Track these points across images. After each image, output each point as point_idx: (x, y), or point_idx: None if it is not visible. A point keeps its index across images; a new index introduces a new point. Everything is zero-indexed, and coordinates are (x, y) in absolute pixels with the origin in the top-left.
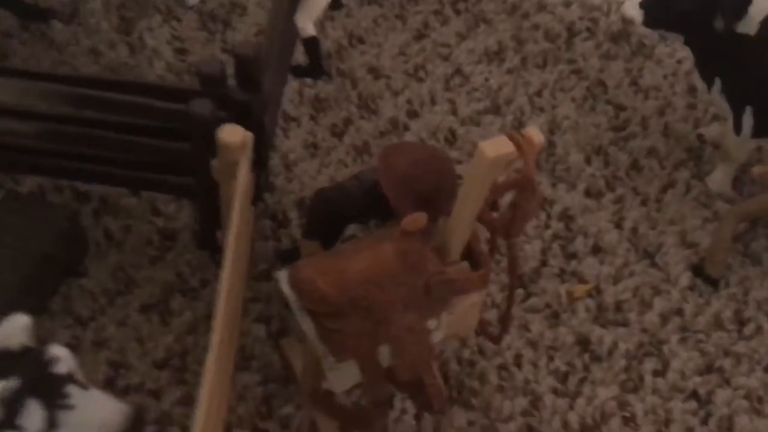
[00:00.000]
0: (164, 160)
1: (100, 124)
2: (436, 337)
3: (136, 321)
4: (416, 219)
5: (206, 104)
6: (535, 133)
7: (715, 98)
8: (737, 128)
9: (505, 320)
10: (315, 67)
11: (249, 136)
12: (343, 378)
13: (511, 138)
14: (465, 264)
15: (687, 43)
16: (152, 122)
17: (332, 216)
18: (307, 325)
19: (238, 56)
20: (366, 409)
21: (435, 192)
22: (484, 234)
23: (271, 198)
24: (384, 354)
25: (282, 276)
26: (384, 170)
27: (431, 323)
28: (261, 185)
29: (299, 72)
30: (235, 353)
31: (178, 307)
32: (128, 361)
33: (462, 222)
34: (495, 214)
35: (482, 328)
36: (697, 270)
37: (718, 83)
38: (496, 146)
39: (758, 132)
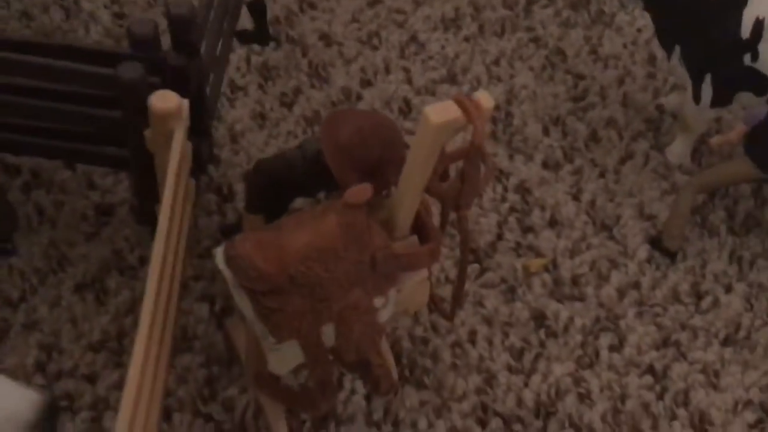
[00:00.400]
0: (96, 129)
1: (27, 91)
2: (384, 316)
3: (70, 301)
4: (360, 190)
5: (136, 68)
6: (484, 97)
7: (674, 67)
8: (696, 97)
9: (457, 296)
10: (261, 33)
11: (184, 102)
12: (284, 359)
13: (459, 102)
14: (414, 238)
15: (646, 8)
16: (81, 88)
17: (273, 187)
18: (244, 304)
19: (173, 16)
20: (312, 390)
21: (381, 162)
22: (438, 208)
23: (216, 171)
24: (328, 333)
25: (218, 253)
26: (326, 138)
27: (378, 301)
28: (204, 157)
29: (245, 37)
30: (174, 333)
31: (115, 286)
32: (61, 344)
33: (409, 193)
34: (444, 185)
35: (435, 305)
36: (655, 242)
37: (677, 50)
38: (442, 111)
39: (717, 101)
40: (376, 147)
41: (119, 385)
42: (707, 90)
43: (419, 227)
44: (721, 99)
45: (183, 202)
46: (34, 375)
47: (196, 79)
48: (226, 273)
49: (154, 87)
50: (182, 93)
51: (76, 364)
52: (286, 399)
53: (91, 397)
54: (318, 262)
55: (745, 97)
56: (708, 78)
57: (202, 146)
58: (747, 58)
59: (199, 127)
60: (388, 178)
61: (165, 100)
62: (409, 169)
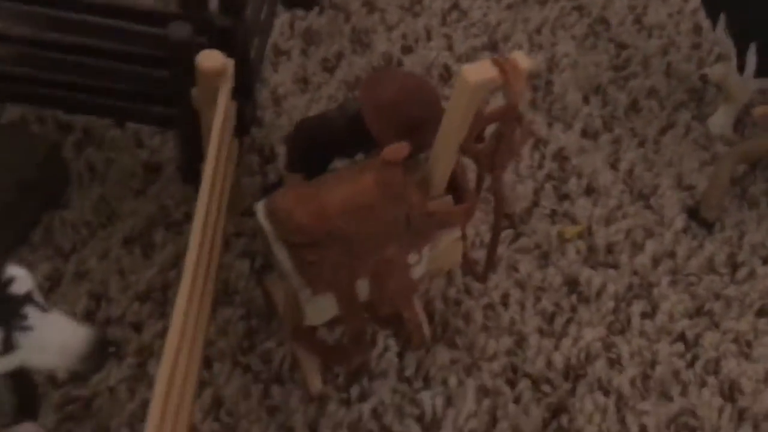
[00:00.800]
0: (144, 88)
1: (79, 49)
2: (417, 272)
3: (118, 254)
4: (398, 148)
5: (185, 28)
6: (521, 58)
7: (719, 36)
8: (740, 67)
9: (490, 257)
10: None
11: (229, 62)
12: (320, 311)
13: (496, 62)
14: (449, 198)
15: None
16: (130, 47)
17: (313, 146)
18: (283, 257)
19: None
20: (346, 345)
21: (419, 123)
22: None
23: (258, 133)
24: (363, 288)
25: (259, 207)
26: (366, 96)
27: (412, 257)
28: (248, 118)
29: (289, 2)
30: (216, 287)
31: (161, 240)
32: (109, 293)
33: (445, 152)
34: (480, 146)
35: (469, 267)
36: (693, 213)
37: (722, 20)
38: (479, 71)
39: (762, 71)
40: (415, 107)
41: (163, 334)
42: (752, 60)
43: (454, 188)
44: (765, 69)
45: (226, 161)
46: (84, 322)
47: (242, 41)
48: (266, 226)
49: (201, 46)
50: (227, 54)
51: (123, 313)
52: (321, 352)
53: (137, 344)
54: (355, 217)
55: None
56: (753, 48)
57: (246, 107)
58: None
59: (243, 89)
60: (425, 139)
61: (211, 60)
62: (446, 128)
